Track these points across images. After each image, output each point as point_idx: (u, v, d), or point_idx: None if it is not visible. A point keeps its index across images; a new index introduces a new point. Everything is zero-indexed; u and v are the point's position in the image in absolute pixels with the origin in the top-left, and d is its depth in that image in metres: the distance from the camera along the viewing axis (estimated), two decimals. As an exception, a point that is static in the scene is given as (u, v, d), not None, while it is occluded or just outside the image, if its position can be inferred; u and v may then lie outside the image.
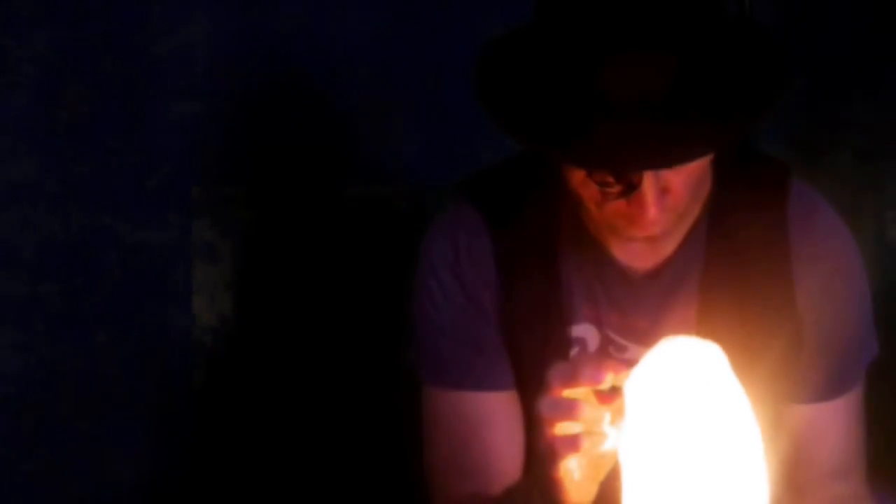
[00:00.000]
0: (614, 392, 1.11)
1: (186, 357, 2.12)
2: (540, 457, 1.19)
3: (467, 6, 2.16)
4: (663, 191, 1.25)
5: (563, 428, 1.15)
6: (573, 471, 1.15)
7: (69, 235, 2.06)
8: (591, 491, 1.19)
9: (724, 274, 1.40)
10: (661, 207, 1.25)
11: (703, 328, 1.39)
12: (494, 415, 1.44)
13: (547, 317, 1.42)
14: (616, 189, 1.24)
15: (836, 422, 1.44)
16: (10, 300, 2.03)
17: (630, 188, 1.24)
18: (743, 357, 1.21)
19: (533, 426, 1.28)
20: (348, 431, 2.13)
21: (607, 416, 1.13)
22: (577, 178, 1.27)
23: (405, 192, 2.15)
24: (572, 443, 1.14)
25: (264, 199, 2.15)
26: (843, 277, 1.43)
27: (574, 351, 1.41)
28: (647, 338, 1.39)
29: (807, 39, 2.29)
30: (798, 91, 2.23)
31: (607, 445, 1.12)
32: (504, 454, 1.44)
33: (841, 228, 1.44)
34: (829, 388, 1.43)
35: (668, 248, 1.41)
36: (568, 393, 1.16)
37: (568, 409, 1.14)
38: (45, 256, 2.05)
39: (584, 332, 1.43)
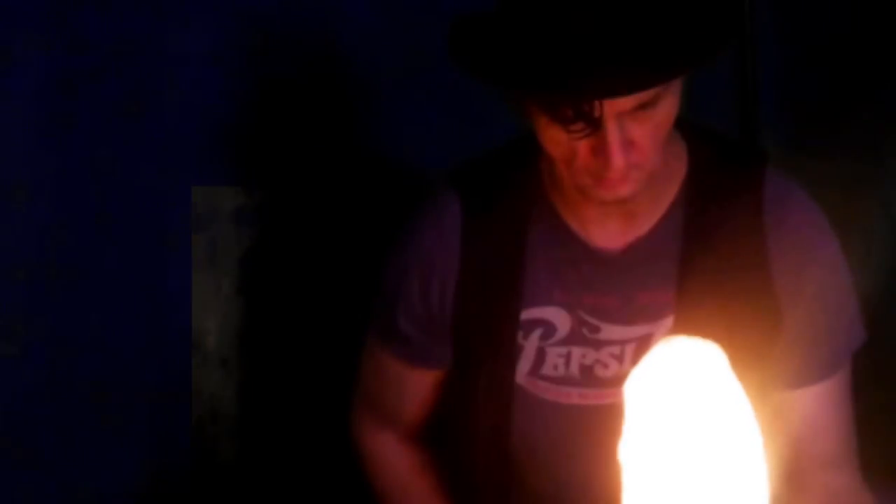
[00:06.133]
0: None
1: (186, 357, 2.12)
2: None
3: None
4: (628, 143, 1.29)
5: None
6: None
7: (68, 235, 2.06)
8: None
9: (702, 257, 1.43)
10: (627, 159, 1.29)
11: (683, 310, 1.41)
12: (416, 385, 1.59)
13: (499, 300, 1.47)
14: (579, 127, 1.26)
15: (820, 407, 1.45)
16: (8, 299, 2.03)
17: (591, 123, 1.26)
18: (722, 341, 1.24)
19: (467, 398, 1.48)
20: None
21: None
22: (544, 127, 1.31)
23: (410, 189, 2.15)
24: None
25: (265, 198, 2.15)
26: (818, 261, 1.45)
27: (535, 334, 1.46)
28: (619, 317, 1.45)
29: (806, 36, 2.29)
30: (799, 87, 2.23)
31: None
32: (410, 413, 1.62)
33: (816, 213, 1.47)
34: (810, 373, 1.45)
35: (643, 228, 1.45)
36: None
37: None
38: (43, 255, 2.05)
39: (553, 315, 1.47)
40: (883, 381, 1.76)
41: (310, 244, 2.17)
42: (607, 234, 1.45)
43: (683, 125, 1.44)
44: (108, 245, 2.07)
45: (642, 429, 1.02)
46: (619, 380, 1.43)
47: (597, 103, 1.25)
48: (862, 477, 1.49)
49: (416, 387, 1.59)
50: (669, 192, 1.45)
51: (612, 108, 1.26)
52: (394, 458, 1.67)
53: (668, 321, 1.43)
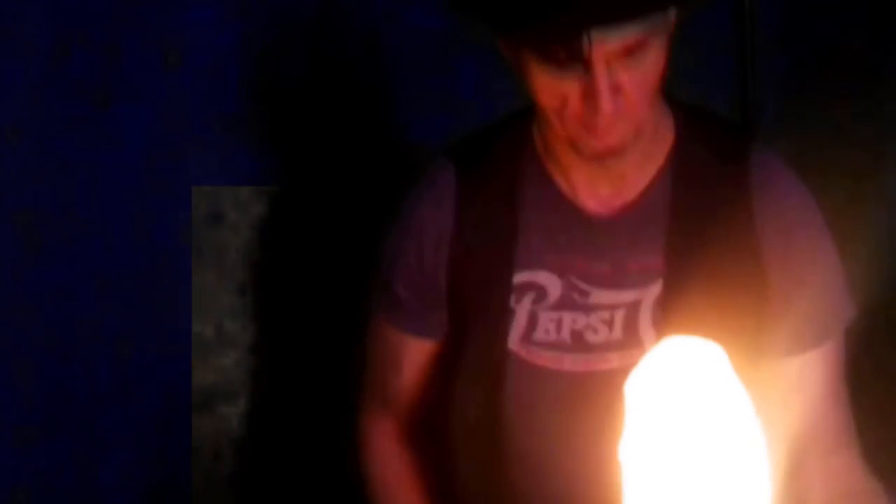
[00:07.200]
0: None
1: (187, 357, 2.12)
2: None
3: None
4: (616, 88, 1.34)
5: None
6: None
7: (67, 235, 2.06)
8: None
9: (690, 224, 1.46)
10: (615, 105, 1.34)
11: (671, 277, 1.44)
12: (413, 358, 1.61)
13: (492, 262, 1.51)
14: (570, 67, 1.32)
15: (811, 375, 1.47)
16: (8, 300, 2.03)
17: (581, 61, 1.31)
18: (710, 307, 1.28)
19: (461, 366, 1.51)
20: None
21: None
22: (537, 75, 1.36)
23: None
24: None
25: (266, 198, 2.15)
26: (804, 226, 1.48)
27: (527, 298, 1.49)
28: (609, 283, 1.48)
29: (807, 35, 2.29)
30: (800, 87, 2.23)
31: None
32: (407, 390, 1.63)
33: (801, 187, 1.51)
34: (800, 340, 1.48)
35: (631, 193, 1.48)
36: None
37: None
38: (43, 256, 2.05)
39: (545, 279, 1.50)
40: (883, 380, 1.76)
41: (310, 244, 2.17)
42: (597, 199, 1.49)
43: (672, 101, 1.50)
44: (108, 245, 2.07)
45: (642, 429, 1.02)
46: (609, 345, 1.47)
47: (586, 42, 1.30)
48: (863, 457, 1.49)
49: (412, 359, 1.61)
50: (657, 161, 1.49)
51: (601, 49, 1.31)
52: (389, 458, 1.68)
53: (657, 287, 1.46)
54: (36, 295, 2.04)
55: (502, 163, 1.53)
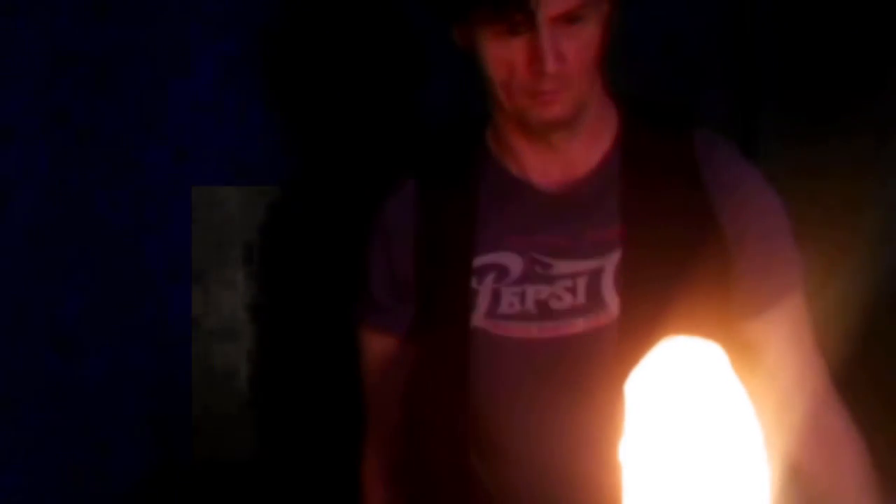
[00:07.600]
0: None
1: (187, 356, 2.12)
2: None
3: None
4: (559, 54, 1.44)
5: None
6: None
7: (68, 235, 2.06)
8: None
9: (643, 195, 1.54)
10: (558, 67, 1.46)
11: (630, 245, 1.53)
12: (390, 358, 1.65)
13: (452, 249, 1.58)
14: (519, 32, 1.45)
15: (777, 335, 1.54)
16: (8, 300, 2.03)
17: (528, 14, 1.44)
18: (671, 271, 1.43)
19: (427, 352, 1.57)
20: (354, 436, 2.13)
21: None
22: (488, 47, 1.49)
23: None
24: None
25: (266, 198, 2.15)
26: (753, 191, 1.57)
27: (489, 277, 1.55)
28: (570, 253, 1.56)
29: (807, 37, 2.29)
30: (800, 90, 2.23)
31: None
32: (395, 403, 1.67)
33: (743, 157, 1.60)
34: (764, 299, 1.53)
35: (581, 172, 1.57)
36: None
37: None
38: (42, 256, 2.05)
39: (506, 259, 1.57)
40: (883, 383, 1.76)
41: (311, 244, 2.17)
42: (549, 179, 1.57)
43: (616, 95, 1.60)
44: (108, 244, 2.07)
45: (643, 429, 1.02)
46: (574, 311, 1.53)
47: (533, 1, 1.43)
48: (851, 419, 1.52)
49: (397, 360, 1.64)
50: (604, 144, 1.58)
51: (547, 11, 1.45)
52: (370, 490, 1.74)
53: (617, 255, 1.53)
54: (35, 295, 2.04)
55: (457, 161, 1.62)
